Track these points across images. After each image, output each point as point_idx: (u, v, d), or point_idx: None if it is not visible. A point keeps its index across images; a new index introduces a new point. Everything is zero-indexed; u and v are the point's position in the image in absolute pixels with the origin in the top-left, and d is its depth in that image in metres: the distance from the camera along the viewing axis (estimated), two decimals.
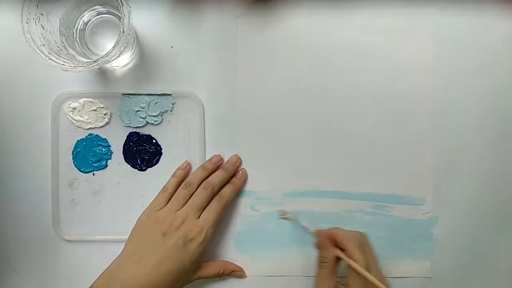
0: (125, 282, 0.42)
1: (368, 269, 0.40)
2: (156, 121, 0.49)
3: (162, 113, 0.49)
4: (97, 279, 0.43)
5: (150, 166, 0.50)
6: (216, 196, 0.47)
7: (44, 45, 0.42)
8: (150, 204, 0.47)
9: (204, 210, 0.46)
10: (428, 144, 0.49)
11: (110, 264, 0.44)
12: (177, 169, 0.49)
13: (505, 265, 0.49)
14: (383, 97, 0.49)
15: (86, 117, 0.49)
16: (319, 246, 0.44)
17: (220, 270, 0.48)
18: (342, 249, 0.42)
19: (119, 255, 0.45)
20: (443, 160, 0.49)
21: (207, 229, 0.45)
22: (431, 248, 0.49)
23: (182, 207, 0.46)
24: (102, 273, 0.44)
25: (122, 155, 0.50)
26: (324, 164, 0.49)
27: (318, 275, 0.43)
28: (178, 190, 0.47)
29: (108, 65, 0.45)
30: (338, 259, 0.42)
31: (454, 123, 0.49)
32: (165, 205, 0.47)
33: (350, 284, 0.41)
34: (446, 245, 0.49)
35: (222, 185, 0.48)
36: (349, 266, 0.41)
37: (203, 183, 0.47)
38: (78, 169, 0.49)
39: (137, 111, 0.49)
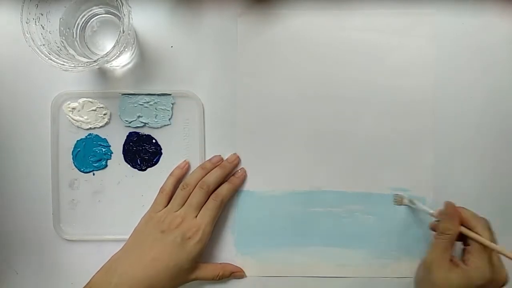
0: (122, 275, 0.43)
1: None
2: (155, 121, 0.49)
3: (162, 113, 0.49)
4: (96, 272, 0.44)
5: (150, 166, 0.50)
6: (212, 195, 0.47)
7: (44, 45, 0.42)
8: (150, 206, 0.48)
9: (201, 209, 0.47)
10: (428, 144, 0.49)
11: (110, 258, 0.45)
12: (175, 168, 0.49)
13: (505, 265, 0.49)
14: (383, 97, 0.49)
15: (85, 117, 0.49)
16: (446, 217, 0.43)
17: (219, 272, 0.48)
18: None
19: (119, 250, 0.46)
20: (443, 160, 0.49)
21: (204, 228, 0.46)
22: None
23: (181, 207, 0.47)
24: (102, 266, 0.45)
25: (122, 155, 0.50)
26: (324, 164, 0.49)
27: (435, 246, 0.43)
28: (177, 191, 0.48)
29: (108, 65, 0.45)
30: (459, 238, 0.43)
31: (454, 123, 0.49)
32: (165, 206, 0.47)
33: (471, 261, 0.41)
34: None
35: (219, 183, 0.48)
36: (473, 244, 0.42)
37: (199, 183, 0.47)
38: (78, 169, 0.49)
39: (137, 111, 0.49)
